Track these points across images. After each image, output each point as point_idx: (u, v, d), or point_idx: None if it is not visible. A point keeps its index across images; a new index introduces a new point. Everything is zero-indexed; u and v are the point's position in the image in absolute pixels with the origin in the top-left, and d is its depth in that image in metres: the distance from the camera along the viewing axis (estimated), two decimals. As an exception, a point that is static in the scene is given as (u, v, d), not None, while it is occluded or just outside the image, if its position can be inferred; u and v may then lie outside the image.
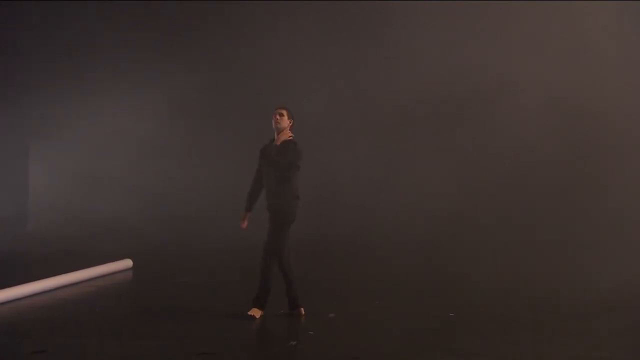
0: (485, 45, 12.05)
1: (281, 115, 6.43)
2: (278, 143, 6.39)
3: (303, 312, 6.41)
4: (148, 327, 6.05)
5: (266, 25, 12.61)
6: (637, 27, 11.59)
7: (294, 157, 6.28)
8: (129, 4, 12.61)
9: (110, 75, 12.96)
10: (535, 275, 8.60)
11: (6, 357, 5.17)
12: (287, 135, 6.40)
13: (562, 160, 11.77)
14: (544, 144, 11.83)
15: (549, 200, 11.76)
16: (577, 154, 11.78)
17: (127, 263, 9.14)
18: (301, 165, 6.38)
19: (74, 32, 12.94)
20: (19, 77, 12.80)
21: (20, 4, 12.31)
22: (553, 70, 11.76)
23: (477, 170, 12.10)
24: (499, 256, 9.95)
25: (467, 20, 12.12)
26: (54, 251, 10.76)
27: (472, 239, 11.08)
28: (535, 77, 11.81)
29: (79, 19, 12.89)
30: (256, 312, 6.24)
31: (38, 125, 13.31)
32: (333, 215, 12.41)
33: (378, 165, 12.56)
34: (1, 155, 12.64)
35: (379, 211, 12.21)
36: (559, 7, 11.68)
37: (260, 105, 12.93)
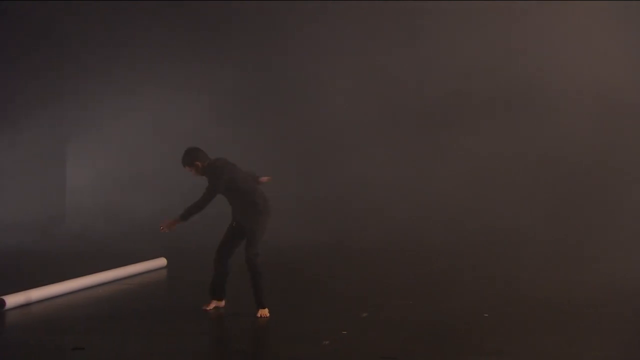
0: (513, 44, 11.98)
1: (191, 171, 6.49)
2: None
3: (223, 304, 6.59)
4: (183, 325, 6.13)
5: (299, 27, 12.67)
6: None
7: (213, 180, 6.34)
8: (162, 3, 12.72)
9: (146, 75, 13.11)
10: (565, 277, 8.51)
11: (46, 353, 5.29)
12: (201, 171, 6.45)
13: (588, 161, 11.68)
14: (570, 145, 11.75)
15: (574, 201, 11.67)
16: (603, 155, 11.66)
17: (162, 262, 9.26)
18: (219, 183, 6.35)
19: (109, 32, 13.10)
20: (54, 79, 12.98)
21: (53, 5, 12.38)
22: (583, 70, 11.64)
23: (502, 172, 12.07)
24: (526, 258, 9.89)
25: (495, 20, 12.07)
26: (90, 250, 10.95)
27: (497, 239, 11.05)
28: (564, 77, 11.72)
29: (113, 19, 13.05)
30: (264, 313, 6.35)
31: (74, 126, 13.52)
32: (360, 217, 12.45)
33: (402, 168, 12.57)
34: (39, 157, 12.86)
35: (405, 213, 12.22)
36: (586, 5, 11.55)
37: (296, 105, 13.06)
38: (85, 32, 12.98)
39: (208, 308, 6.57)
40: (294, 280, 8.47)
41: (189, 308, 6.66)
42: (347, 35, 12.59)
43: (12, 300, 6.59)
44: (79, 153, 13.73)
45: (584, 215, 11.39)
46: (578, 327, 6.07)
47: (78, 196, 13.50)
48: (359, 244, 11.27)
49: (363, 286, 8.00)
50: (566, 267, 9.15)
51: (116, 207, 13.44)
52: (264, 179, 6.71)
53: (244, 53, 12.93)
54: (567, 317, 6.37)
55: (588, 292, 7.50)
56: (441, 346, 5.46)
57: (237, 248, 6.61)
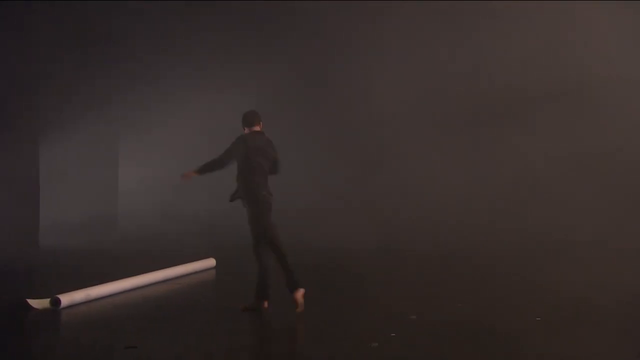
0: (566, 38, 11.76)
1: None
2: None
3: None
4: (230, 324, 6.18)
5: (348, 27, 12.66)
6: None
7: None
8: (211, 4, 12.78)
9: (196, 75, 13.23)
10: (622, 281, 8.31)
11: (100, 350, 5.39)
12: None
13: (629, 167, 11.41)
14: (629, 143, 11.47)
15: (633, 204, 11.39)
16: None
17: (211, 262, 9.35)
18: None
19: (158, 35, 13.24)
20: (107, 81, 13.19)
21: (105, 6, 12.54)
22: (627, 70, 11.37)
23: (556, 172, 11.88)
24: (578, 261, 9.68)
25: (548, 16, 11.87)
26: (141, 250, 11.13)
27: (548, 242, 10.87)
28: (622, 72, 11.46)
29: (163, 21, 13.17)
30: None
31: (126, 128, 13.74)
32: (407, 219, 12.38)
33: (452, 170, 12.46)
34: (91, 158, 13.11)
35: (454, 216, 12.12)
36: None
37: (344, 106, 13.05)
38: (135, 35, 13.15)
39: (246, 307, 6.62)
40: (341, 281, 8.46)
41: (235, 308, 6.69)
42: (397, 34, 12.52)
43: (67, 299, 6.73)
44: (131, 154, 13.96)
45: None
46: (631, 331, 5.92)
47: (130, 197, 13.73)
48: (406, 246, 11.19)
49: (410, 288, 7.93)
50: (623, 271, 8.92)
51: (167, 208, 13.64)
52: None
53: (293, 54, 12.98)
54: (619, 321, 6.22)
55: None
56: (491, 350, 5.38)
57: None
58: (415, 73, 12.57)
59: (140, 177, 13.91)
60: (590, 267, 9.13)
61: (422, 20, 12.35)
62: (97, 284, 7.28)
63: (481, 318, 6.36)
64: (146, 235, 12.68)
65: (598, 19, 11.53)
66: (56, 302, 6.65)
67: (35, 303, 6.72)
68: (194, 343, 5.56)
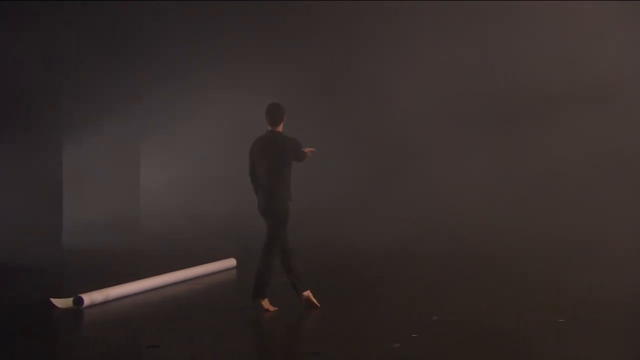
0: (585, 37, 11.66)
1: None
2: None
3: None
4: (249, 325, 6.19)
5: (367, 28, 12.65)
6: None
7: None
8: (233, 4, 12.81)
9: (219, 76, 13.29)
10: (616, 279, 8.22)
11: (122, 349, 5.42)
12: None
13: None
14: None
15: (619, 204, 11.27)
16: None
17: (231, 262, 9.37)
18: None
19: (180, 35, 13.32)
20: (127, 83, 13.28)
21: (122, 7, 12.60)
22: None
23: (567, 172, 11.77)
24: (601, 262, 9.56)
25: (564, 19, 11.78)
26: (162, 250, 11.19)
27: (571, 242, 10.76)
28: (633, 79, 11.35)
29: (184, 22, 13.24)
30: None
31: (148, 128, 13.84)
32: (432, 217, 12.32)
33: (471, 171, 12.38)
34: (114, 159, 13.22)
35: (474, 217, 12.05)
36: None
37: (363, 106, 13.02)
38: (157, 36, 13.23)
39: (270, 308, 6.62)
40: (359, 282, 8.43)
41: (255, 308, 6.70)
42: (411, 35, 12.48)
43: (89, 298, 6.78)
44: (153, 154, 14.05)
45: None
46: (631, 331, 5.84)
47: (152, 197, 13.82)
48: (427, 247, 11.12)
49: (431, 289, 7.88)
50: (623, 271, 8.80)
51: (189, 208, 13.69)
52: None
53: (314, 54, 12.99)
54: (619, 321, 6.15)
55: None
56: (515, 351, 5.33)
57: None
58: (424, 74, 12.51)
59: (162, 177, 13.99)
60: (590, 267, 9.03)
61: (438, 20, 12.31)
62: (118, 284, 7.33)
63: (502, 319, 6.31)
64: (168, 235, 12.74)
65: (620, 18, 11.41)
66: (79, 301, 6.71)
67: (58, 302, 6.78)
68: (211, 343, 5.57)
